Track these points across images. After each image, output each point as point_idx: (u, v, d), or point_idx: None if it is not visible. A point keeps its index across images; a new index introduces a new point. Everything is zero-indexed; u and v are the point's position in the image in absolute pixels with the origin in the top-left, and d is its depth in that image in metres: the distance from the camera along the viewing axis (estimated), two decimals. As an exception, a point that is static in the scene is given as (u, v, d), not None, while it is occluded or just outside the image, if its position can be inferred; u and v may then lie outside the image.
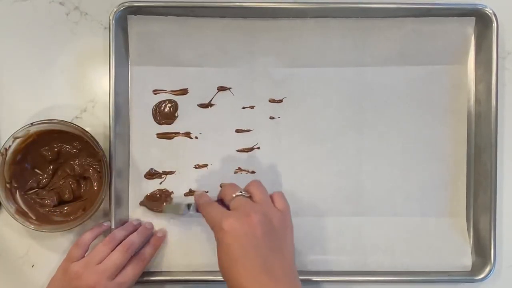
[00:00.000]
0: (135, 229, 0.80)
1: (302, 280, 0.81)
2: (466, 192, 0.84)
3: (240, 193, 0.72)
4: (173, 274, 0.82)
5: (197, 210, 0.76)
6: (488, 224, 0.82)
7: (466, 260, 0.83)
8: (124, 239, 0.77)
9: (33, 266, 0.83)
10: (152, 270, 0.82)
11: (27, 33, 0.84)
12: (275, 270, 0.66)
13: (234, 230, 0.67)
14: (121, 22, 0.81)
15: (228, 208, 0.72)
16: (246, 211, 0.69)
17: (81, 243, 0.77)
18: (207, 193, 0.81)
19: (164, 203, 0.82)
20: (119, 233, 0.78)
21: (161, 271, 0.82)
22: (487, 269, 0.82)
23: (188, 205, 0.78)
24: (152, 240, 0.81)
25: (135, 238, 0.78)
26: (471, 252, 0.83)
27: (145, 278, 0.81)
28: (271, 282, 0.65)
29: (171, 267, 0.82)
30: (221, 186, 0.81)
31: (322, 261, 0.83)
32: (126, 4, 0.80)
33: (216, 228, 0.69)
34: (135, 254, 0.78)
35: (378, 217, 0.83)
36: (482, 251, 0.83)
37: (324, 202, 0.83)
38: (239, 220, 0.68)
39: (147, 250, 0.79)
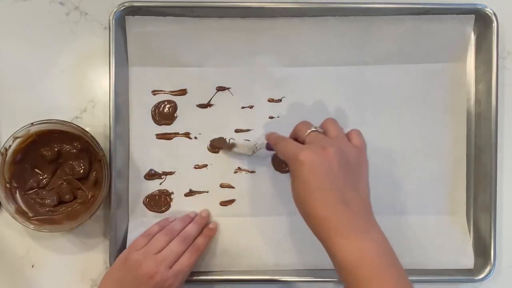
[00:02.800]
0: (191, 221, 0.81)
1: (301, 280, 0.82)
2: (466, 192, 0.84)
3: (314, 129, 0.71)
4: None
5: (268, 148, 0.78)
6: (488, 224, 0.82)
7: (466, 259, 0.83)
8: (182, 230, 0.79)
9: (33, 266, 0.83)
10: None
11: (27, 33, 0.84)
12: (351, 203, 0.66)
13: (310, 161, 0.66)
14: (121, 22, 0.81)
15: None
16: (322, 144, 0.68)
17: (148, 233, 0.79)
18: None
19: (230, 141, 0.83)
20: (177, 224, 0.80)
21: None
22: (487, 269, 0.82)
23: (261, 144, 0.80)
24: (205, 231, 0.82)
25: (192, 229, 0.80)
26: (472, 251, 0.83)
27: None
28: (349, 212, 0.65)
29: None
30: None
31: (321, 260, 0.82)
32: (126, 4, 0.80)
33: (292, 159, 0.68)
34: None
35: (377, 216, 0.83)
36: (482, 251, 0.83)
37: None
38: (316, 152, 0.67)
39: (201, 240, 0.80)
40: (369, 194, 0.70)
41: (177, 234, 0.79)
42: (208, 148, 0.83)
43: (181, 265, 0.76)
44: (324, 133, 0.71)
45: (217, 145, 0.83)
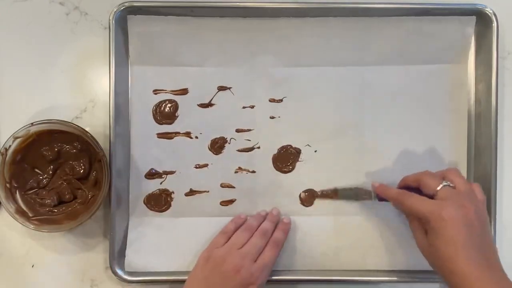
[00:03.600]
0: (264, 218, 0.82)
1: (301, 280, 0.82)
2: (467, 192, 0.84)
3: (446, 183, 0.72)
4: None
5: (380, 200, 0.80)
6: (488, 224, 0.82)
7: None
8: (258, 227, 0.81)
9: (33, 266, 0.83)
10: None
11: (27, 33, 0.84)
12: (491, 260, 0.68)
13: (454, 220, 0.68)
14: (121, 22, 0.81)
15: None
16: (460, 201, 0.70)
17: (226, 231, 0.80)
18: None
19: (336, 188, 0.84)
20: (254, 221, 0.81)
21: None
22: (487, 269, 0.82)
23: (366, 192, 0.82)
24: (280, 225, 0.82)
25: (267, 224, 0.81)
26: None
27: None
28: (489, 270, 0.67)
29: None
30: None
31: (321, 260, 0.82)
32: (126, 4, 0.80)
33: (432, 217, 0.69)
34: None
35: (377, 217, 0.83)
36: (482, 251, 0.83)
37: (324, 202, 0.83)
38: (458, 210, 0.68)
39: (279, 234, 0.81)
40: (497, 250, 0.72)
41: (255, 230, 0.80)
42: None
43: (265, 259, 0.77)
44: (453, 187, 0.72)
45: (320, 196, 0.84)
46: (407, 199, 0.73)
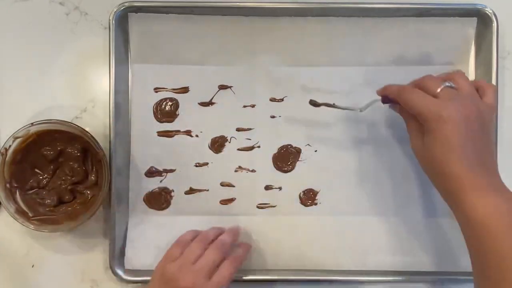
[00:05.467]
0: (223, 232, 0.80)
1: (301, 280, 0.82)
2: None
3: (448, 84, 0.69)
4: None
5: (384, 102, 0.76)
6: (488, 224, 0.82)
7: (467, 260, 0.82)
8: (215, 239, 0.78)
9: (33, 266, 0.83)
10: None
11: (27, 33, 0.84)
12: (488, 164, 0.67)
13: (454, 120, 0.65)
14: (121, 22, 0.81)
15: None
16: (461, 102, 0.67)
17: (181, 241, 0.77)
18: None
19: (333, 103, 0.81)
20: (210, 232, 0.79)
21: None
22: (487, 269, 0.82)
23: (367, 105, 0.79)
24: (241, 244, 0.80)
25: (225, 237, 0.78)
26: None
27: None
28: (486, 172, 0.66)
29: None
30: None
31: (321, 260, 0.82)
32: (126, 4, 0.80)
33: (432, 116, 0.66)
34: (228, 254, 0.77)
35: (378, 217, 0.83)
36: (482, 251, 0.83)
37: (324, 201, 0.83)
38: (458, 111, 0.66)
39: (239, 250, 0.79)
40: (496, 154, 0.73)
41: (212, 242, 0.77)
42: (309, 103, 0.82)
43: (220, 276, 0.73)
44: (456, 88, 0.69)
45: (318, 104, 0.81)
46: (408, 94, 0.70)
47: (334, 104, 0.80)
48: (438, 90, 0.68)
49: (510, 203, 0.64)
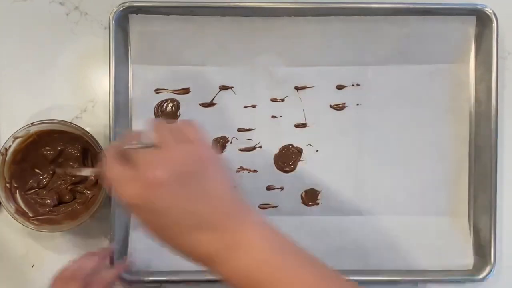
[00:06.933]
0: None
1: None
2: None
3: (136, 144, 0.59)
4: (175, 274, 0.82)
5: None
6: (488, 224, 0.82)
7: (467, 259, 0.83)
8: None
9: (33, 266, 0.83)
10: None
11: (27, 33, 0.84)
12: (207, 219, 0.56)
13: (134, 203, 0.56)
14: (121, 22, 0.81)
15: None
16: (144, 170, 0.55)
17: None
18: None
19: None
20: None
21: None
22: (487, 269, 0.82)
23: None
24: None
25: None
26: (472, 252, 0.83)
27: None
28: (209, 232, 0.56)
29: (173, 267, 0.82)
30: None
31: (323, 260, 0.82)
32: (126, 4, 0.80)
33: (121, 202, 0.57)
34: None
35: (379, 216, 0.83)
36: (482, 251, 0.83)
37: (325, 201, 0.83)
38: (136, 188, 0.55)
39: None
40: (230, 187, 0.59)
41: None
42: None
43: None
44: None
45: None
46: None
47: None
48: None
49: (257, 239, 0.57)
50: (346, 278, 0.62)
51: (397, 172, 0.83)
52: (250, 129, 0.83)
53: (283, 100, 0.83)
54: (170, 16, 0.81)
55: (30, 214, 0.79)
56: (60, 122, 0.77)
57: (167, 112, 0.83)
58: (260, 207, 0.83)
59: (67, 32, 0.84)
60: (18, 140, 0.78)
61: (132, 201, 0.55)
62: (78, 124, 0.77)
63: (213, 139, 0.83)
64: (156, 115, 0.83)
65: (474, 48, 0.84)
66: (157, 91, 0.83)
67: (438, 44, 0.83)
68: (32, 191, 0.80)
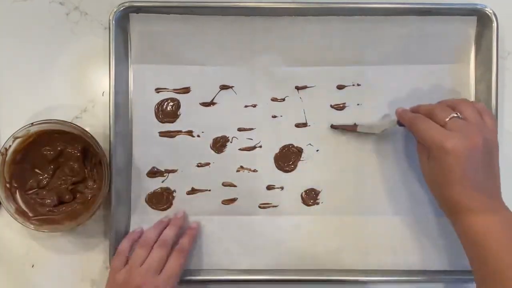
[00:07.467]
0: (166, 225, 0.81)
1: (302, 280, 0.82)
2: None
3: (456, 115, 0.72)
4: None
5: (400, 125, 0.78)
6: (488, 224, 0.82)
7: (467, 259, 0.83)
8: (159, 237, 0.79)
9: (33, 266, 0.83)
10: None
11: (27, 33, 0.84)
12: (487, 189, 0.71)
13: (457, 151, 0.69)
14: (121, 22, 0.81)
15: None
16: (467, 134, 0.70)
17: (121, 251, 0.79)
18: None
19: (356, 123, 0.84)
20: (151, 233, 0.80)
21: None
22: (487, 269, 0.82)
23: (383, 124, 0.82)
24: (187, 230, 0.81)
25: (168, 232, 0.80)
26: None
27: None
28: (483, 196, 0.70)
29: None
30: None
31: (324, 260, 0.83)
32: (126, 4, 0.80)
33: (435, 146, 0.71)
34: (173, 246, 0.79)
35: (379, 216, 0.83)
36: (482, 251, 0.83)
37: (325, 201, 0.83)
38: (463, 142, 0.69)
39: (184, 240, 0.80)
40: (499, 175, 0.74)
41: (155, 242, 0.79)
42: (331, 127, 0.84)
43: (169, 269, 0.76)
44: (463, 118, 0.72)
45: (339, 127, 0.83)
46: (418, 124, 0.74)
47: (355, 124, 0.83)
48: (447, 119, 0.72)
49: (505, 222, 0.70)
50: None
51: (397, 171, 0.83)
52: (250, 129, 0.83)
53: (283, 99, 0.83)
54: (170, 15, 0.81)
55: (30, 214, 0.79)
56: (60, 122, 0.77)
57: (167, 111, 0.83)
58: (260, 207, 0.83)
59: (67, 32, 0.84)
60: (18, 140, 0.78)
61: (452, 148, 0.69)
62: (78, 124, 0.77)
63: (214, 139, 0.83)
64: (157, 114, 0.83)
65: (474, 48, 0.84)
66: (158, 90, 0.83)
67: (438, 44, 0.83)
68: (32, 191, 0.80)
